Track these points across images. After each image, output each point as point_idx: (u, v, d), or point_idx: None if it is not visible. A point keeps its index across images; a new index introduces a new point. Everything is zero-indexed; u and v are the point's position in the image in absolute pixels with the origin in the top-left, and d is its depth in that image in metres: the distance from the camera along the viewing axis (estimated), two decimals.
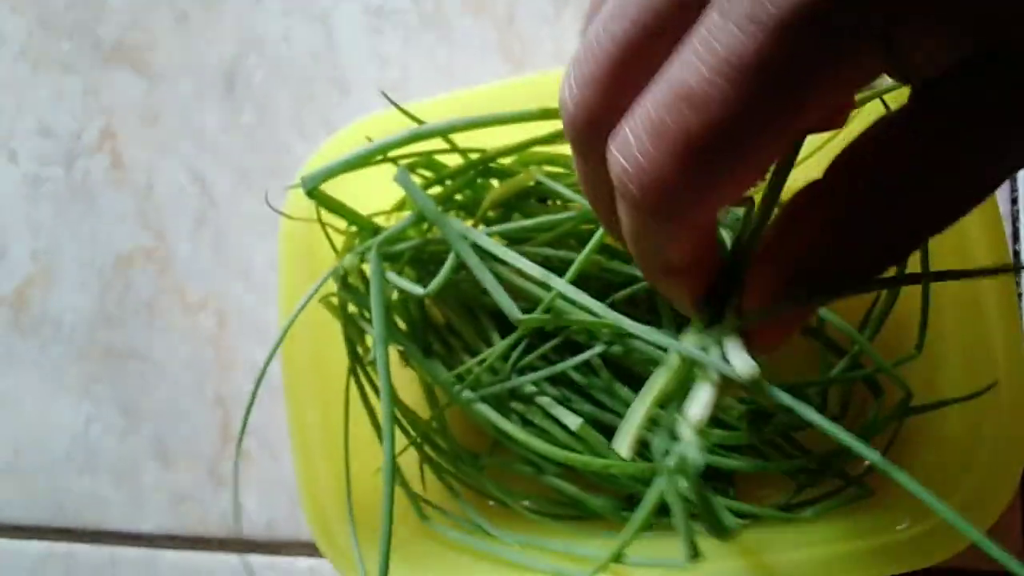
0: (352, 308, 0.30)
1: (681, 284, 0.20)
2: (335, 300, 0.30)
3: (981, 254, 0.28)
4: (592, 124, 0.18)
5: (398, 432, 0.31)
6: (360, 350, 0.31)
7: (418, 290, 0.27)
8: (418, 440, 0.32)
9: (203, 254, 0.39)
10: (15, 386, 0.41)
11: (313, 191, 0.26)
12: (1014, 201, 0.33)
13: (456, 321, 0.32)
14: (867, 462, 0.31)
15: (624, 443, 0.17)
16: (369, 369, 0.31)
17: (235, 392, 0.39)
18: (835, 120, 0.21)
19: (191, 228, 0.39)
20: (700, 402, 0.16)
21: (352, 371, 0.30)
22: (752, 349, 0.18)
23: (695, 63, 0.16)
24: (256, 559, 0.38)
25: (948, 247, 0.28)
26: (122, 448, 0.40)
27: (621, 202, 0.18)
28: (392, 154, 0.28)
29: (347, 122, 0.39)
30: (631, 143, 0.17)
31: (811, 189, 0.18)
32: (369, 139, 0.27)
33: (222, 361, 0.39)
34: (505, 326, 0.32)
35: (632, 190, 0.17)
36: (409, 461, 0.32)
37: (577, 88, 0.18)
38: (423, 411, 0.33)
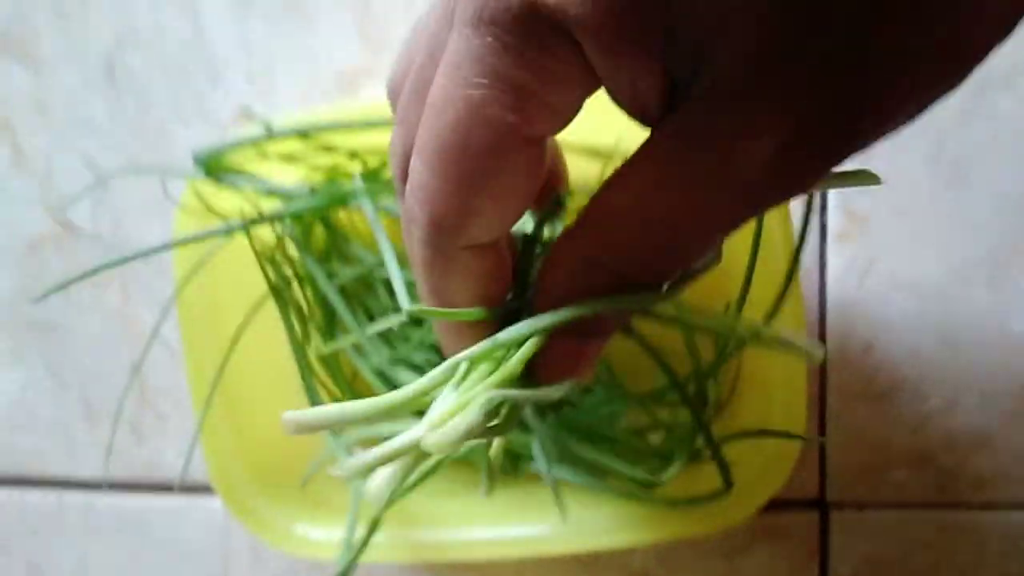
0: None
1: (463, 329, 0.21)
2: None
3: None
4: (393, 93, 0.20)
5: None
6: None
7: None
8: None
9: (104, 236, 0.43)
10: None
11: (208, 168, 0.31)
12: None
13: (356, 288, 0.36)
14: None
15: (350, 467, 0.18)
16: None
17: (145, 358, 0.43)
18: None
19: (91, 213, 0.43)
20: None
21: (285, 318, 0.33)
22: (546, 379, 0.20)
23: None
24: (179, 500, 0.44)
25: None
26: (55, 409, 0.45)
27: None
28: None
29: (222, 109, 0.41)
30: (414, 170, 0.18)
31: (566, 231, 0.19)
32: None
33: (130, 332, 0.43)
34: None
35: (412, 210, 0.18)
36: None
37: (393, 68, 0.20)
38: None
